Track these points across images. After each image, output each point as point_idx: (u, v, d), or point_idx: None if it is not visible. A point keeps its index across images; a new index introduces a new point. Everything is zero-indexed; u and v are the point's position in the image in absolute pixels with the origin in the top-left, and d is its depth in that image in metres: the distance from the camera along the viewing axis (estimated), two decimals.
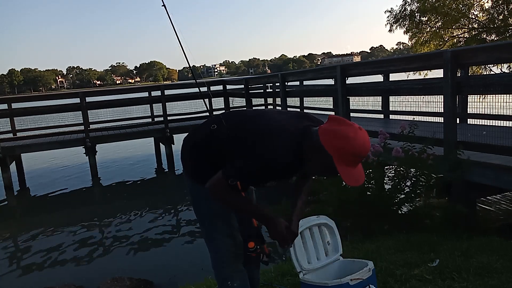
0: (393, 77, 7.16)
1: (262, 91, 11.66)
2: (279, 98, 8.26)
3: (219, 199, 1.67)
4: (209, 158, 1.73)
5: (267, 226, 1.70)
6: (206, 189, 1.76)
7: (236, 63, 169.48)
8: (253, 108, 10.42)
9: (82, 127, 9.07)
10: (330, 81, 7.69)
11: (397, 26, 13.15)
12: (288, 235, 1.69)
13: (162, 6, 2.43)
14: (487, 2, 12.06)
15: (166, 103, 9.82)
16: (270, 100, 11.84)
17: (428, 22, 12.88)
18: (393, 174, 3.90)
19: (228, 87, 11.56)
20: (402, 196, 3.78)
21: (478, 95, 4.99)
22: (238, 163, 1.58)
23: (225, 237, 1.81)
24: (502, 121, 4.79)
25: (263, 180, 1.66)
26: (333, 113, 8.08)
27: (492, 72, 10.97)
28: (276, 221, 1.68)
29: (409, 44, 14.34)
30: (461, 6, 12.29)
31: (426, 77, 9.24)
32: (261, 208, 1.73)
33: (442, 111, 4.16)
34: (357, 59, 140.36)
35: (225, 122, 1.74)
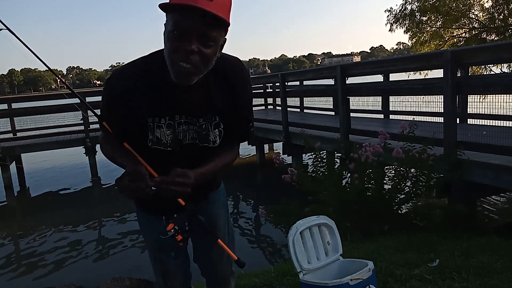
0: (393, 77, 7.17)
1: (262, 91, 11.68)
2: (279, 98, 8.26)
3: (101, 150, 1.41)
4: None
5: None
6: (139, 213, 1.56)
7: None
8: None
9: (82, 127, 9.08)
10: (330, 81, 7.70)
11: (397, 25, 13.18)
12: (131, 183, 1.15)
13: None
14: (487, 1, 12.09)
15: None
16: (270, 100, 11.87)
17: (428, 22, 12.89)
18: (393, 174, 3.90)
19: None
20: (402, 196, 3.79)
21: (478, 95, 4.99)
22: None
23: (158, 275, 1.61)
24: (502, 121, 4.79)
25: (127, 113, 1.24)
26: (333, 113, 8.10)
27: (492, 72, 10.98)
28: (126, 171, 1.19)
29: (409, 44, 14.37)
30: (461, 5, 12.30)
31: (426, 77, 9.25)
32: (122, 157, 1.31)
33: (442, 111, 4.16)
34: (357, 59, 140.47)
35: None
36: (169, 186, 1.17)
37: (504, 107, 4.42)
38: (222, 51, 1.23)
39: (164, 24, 1.14)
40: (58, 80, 1.65)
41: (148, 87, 1.23)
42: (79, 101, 1.49)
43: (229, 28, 1.16)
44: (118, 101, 1.24)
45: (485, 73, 11.10)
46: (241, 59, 1.38)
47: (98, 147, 9.16)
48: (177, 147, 1.30)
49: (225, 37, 1.18)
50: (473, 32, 12.35)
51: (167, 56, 1.13)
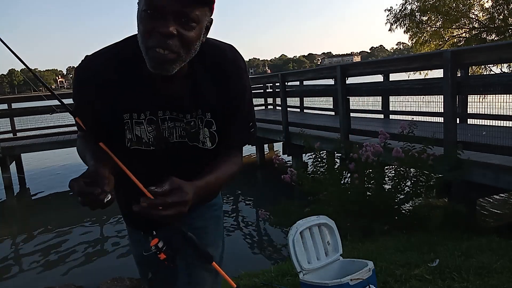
0: (393, 77, 7.18)
1: (262, 91, 11.69)
2: (279, 98, 8.28)
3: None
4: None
5: None
6: (128, 227, 1.38)
7: None
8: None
9: None
10: (330, 81, 7.70)
11: (397, 25, 13.18)
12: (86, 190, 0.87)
13: None
14: (487, 1, 12.10)
15: None
16: (270, 100, 11.88)
17: (428, 22, 12.90)
18: (393, 174, 3.90)
19: None
20: (402, 196, 3.79)
21: (478, 95, 5.00)
22: None
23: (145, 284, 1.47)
24: (502, 121, 4.80)
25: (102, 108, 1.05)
26: (333, 113, 8.11)
27: (492, 72, 10.99)
28: (85, 171, 0.93)
29: (409, 44, 14.37)
30: (461, 5, 12.31)
31: (426, 77, 9.26)
32: (91, 157, 1.00)
33: (442, 111, 4.16)
34: (357, 59, 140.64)
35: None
36: (159, 212, 0.85)
37: (504, 107, 4.42)
38: (212, 37, 1.06)
39: (138, 3, 0.95)
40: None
41: (123, 77, 1.03)
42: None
43: (214, 6, 0.97)
44: (89, 90, 1.04)
45: (485, 73, 11.10)
46: None
47: None
48: (162, 145, 1.09)
49: (211, 17, 0.99)
50: (473, 32, 12.36)
51: (141, 41, 0.94)
